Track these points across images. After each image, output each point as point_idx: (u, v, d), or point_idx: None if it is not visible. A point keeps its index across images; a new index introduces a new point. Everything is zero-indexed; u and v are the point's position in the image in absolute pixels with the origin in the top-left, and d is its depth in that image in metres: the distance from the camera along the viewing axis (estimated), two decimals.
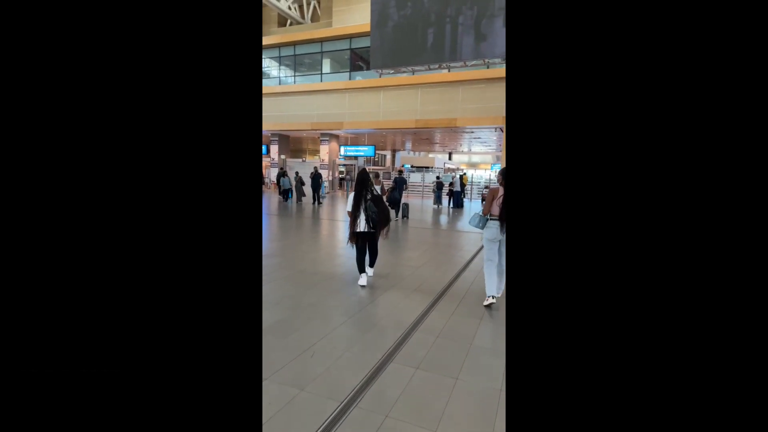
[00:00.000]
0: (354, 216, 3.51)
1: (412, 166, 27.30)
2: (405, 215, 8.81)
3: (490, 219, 3.15)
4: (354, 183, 3.58)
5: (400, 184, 9.37)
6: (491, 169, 28.49)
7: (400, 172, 10.74)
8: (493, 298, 3.23)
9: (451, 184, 12.66)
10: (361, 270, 3.64)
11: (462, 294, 3.54)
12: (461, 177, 12.88)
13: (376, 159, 27.88)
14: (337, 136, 16.90)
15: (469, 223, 3.24)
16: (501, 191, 3.13)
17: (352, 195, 3.52)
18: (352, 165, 18.36)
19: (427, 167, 27.10)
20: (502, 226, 3.09)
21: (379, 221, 3.45)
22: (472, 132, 15.83)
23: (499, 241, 3.16)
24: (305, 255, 4.71)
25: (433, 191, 12.79)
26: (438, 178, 13.79)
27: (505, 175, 3.12)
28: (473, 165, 33.89)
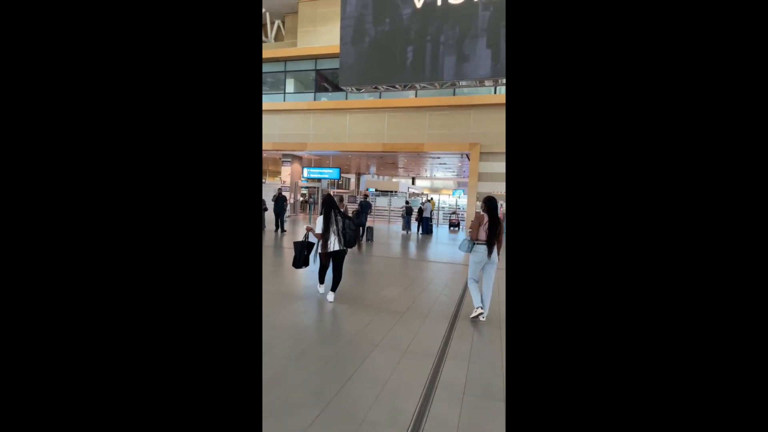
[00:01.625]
0: (324, 238, 3.66)
1: (376, 190, 27.28)
2: (369, 238, 9.00)
3: (477, 243, 3.59)
4: (322, 206, 3.75)
5: (365, 208, 9.47)
6: (453, 194, 28.99)
7: (366, 196, 10.89)
8: (480, 309, 3.54)
9: (420, 210, 12.53)
10: (322, 281, 3.99)
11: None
12: (428, 201, 12.76)
13: (341, 182, 27.53)
14: (300, 158, 16.62)
15: (459, 248, 3.68)
16: (486, 218, 3.56)
17: (320, 218, 3.66)
18: (315, 188, 18.10)
19: (392, 191, 27.32)
20: (489, 250, 3.53)
21: (354, 238, 3.68)
22: (438, 158, 16.02)
23: (486, 263, 3.58)
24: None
25: (402, 216, 12.99)
26: (407, 203, 13.69)
27: (489, 204, 3.60)
28: (436, 190, 34.41)
